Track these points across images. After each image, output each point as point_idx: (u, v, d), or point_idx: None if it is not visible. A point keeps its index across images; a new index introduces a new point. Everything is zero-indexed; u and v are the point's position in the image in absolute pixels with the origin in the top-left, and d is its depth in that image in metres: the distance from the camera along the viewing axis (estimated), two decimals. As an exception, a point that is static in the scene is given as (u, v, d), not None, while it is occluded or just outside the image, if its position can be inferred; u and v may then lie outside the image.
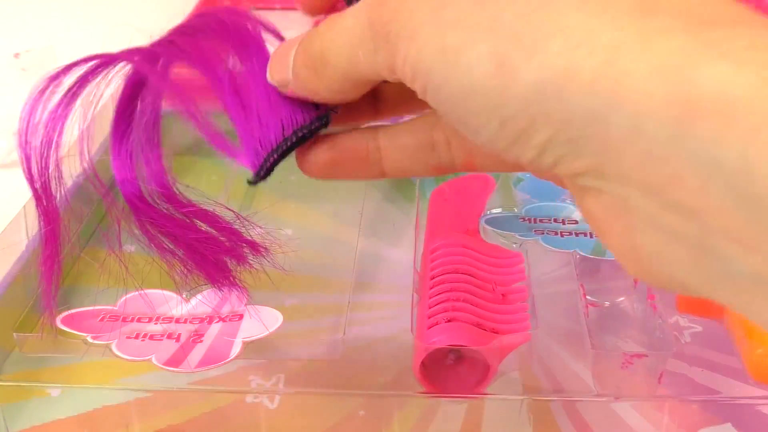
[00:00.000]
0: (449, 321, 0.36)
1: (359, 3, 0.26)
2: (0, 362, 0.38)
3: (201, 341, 0.35)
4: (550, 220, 0.43)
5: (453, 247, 0.41)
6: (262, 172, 0.31)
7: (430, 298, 0.38)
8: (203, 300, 0.37)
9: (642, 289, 0.41)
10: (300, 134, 0.30)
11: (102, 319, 0.36)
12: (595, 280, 0.42)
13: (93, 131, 0.52)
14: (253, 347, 0.35)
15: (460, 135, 0.27)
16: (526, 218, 0.43)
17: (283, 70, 0.29)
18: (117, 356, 0.34)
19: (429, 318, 0.36)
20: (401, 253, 0.45)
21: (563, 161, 0.22)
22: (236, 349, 0.35)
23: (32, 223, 0.44)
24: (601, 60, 0.20)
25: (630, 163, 0.21)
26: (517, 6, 0.22)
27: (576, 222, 0.42)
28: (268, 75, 0.30)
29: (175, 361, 0.34)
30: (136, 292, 0.38)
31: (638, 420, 0.36)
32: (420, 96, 0.25)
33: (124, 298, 0.38)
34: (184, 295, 0.38)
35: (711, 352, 0.39)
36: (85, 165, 0.48)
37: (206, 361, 0.34)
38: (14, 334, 0.38)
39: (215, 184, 0.51)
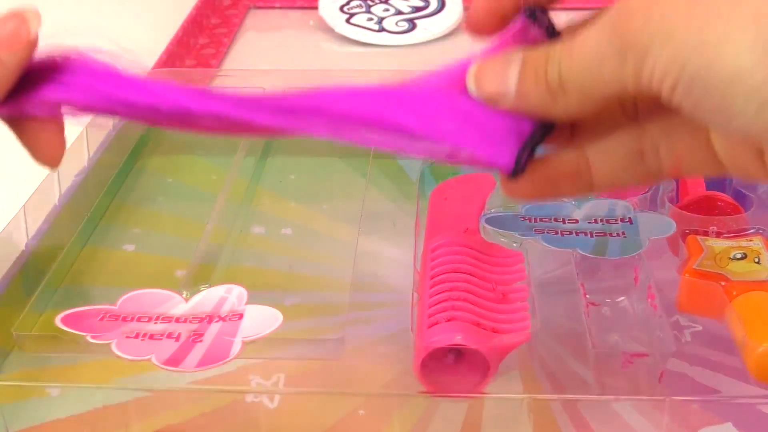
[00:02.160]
0: (449, 320, 0.36)
1: (601, 22, 0.27)
2: (0, 362, 0.38)
3: (201, 341, 0.35)
4: (550, 220, 0.43)
5: (453, 247, 0.41)
6: (520, 166, 0.30)
7: (430, 297, 0.38)
8: (203, 299, 0.38)
9: (642, 288, 0.41)
10: (543, 131, 0.30)
11: (102, 319, 0.36)
12: (595, 280, 0.42)
13: (93, 131, 0.52)
14: (253, 347, 0.35)
15: (669, 141, 0.28)
16: (527, 217, 0.43)
17: (501, 84, 0.29)
18: (117, 356, 0.34)
19: (429, 317, 0.36)
20: (401, 253, 0.45)
21: None
22: (236, 349, 0.35)
23: (32, 223, 0.44)
24: None
25: None
26: None
27: (576, 221, 0.42)
28: (472, 86, 0.29)
29: (174, 360, 0.34)
30: (136, 292, 0.38)
31: (638, 419, 0.36)
32: (665, 97, 0.25)
33: (123, 297, 0.38)
34: (184, 295, 0.38)
35: (711, 352, 0.39)
36: (85, 164, 0.48)
37: (206, 361, 0.34)
38: (14, 333, 0.38)
39: (215, 183, 0.51)
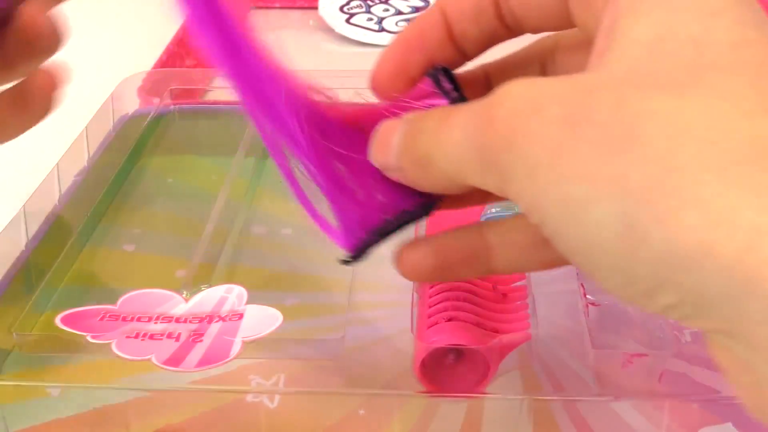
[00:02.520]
0: (449, 320, 0.36)
1: (465, 114, 0.24)
2: (0, 362, 0.38)
3: (201, 341, 0.35)
4: (550, 220, 0.43)
5: (453, 247, 0.41)
6: (359, 254, 0.30)
7: (430, 297, 0.38)
8: (203, 299, 0.38)
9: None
10: (402, 220, 0.29)
11: (102, 319, 0.36)
12: (595, 280, 0.42)
13: (93, 131, 0.52)
14: (253, 347, 0.35)
15: None
16: (527, 218, 0.43)
17: (386, 154, 0.27)
18: (117, 356, 0.34)
19: (429, 317, 0.36)
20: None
21: (690, 320, 0.21)
22: (236, 349, 0.35)
23: (32, 223, 0.44)
24: (742, 245, 0.19)
25: (764, 342, 0.20)
26: (647, 167, 0.20)
27: (576, 221, 0.42)
28: (369, 154, 0.28)
29: (175, 360, 0.34)
30: (136, 292, 0.38)
31: (638, 419, 0.36)
32: (534, 225, 0.23)
33: (123, 297, 0.38)
34: (184, 295, 0.38)
35: (711, 352, 0.39)
36: (85, 164, 0.48)
37: (206, 361, 0.34)
38: (14, 333, 0.38)
39: (215, 183, 0.51)
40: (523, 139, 0.22)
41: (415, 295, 0.39)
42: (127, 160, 0.53)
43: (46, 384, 0.38)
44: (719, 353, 0.22)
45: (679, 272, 0.20)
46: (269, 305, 0.37)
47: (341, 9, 0.73)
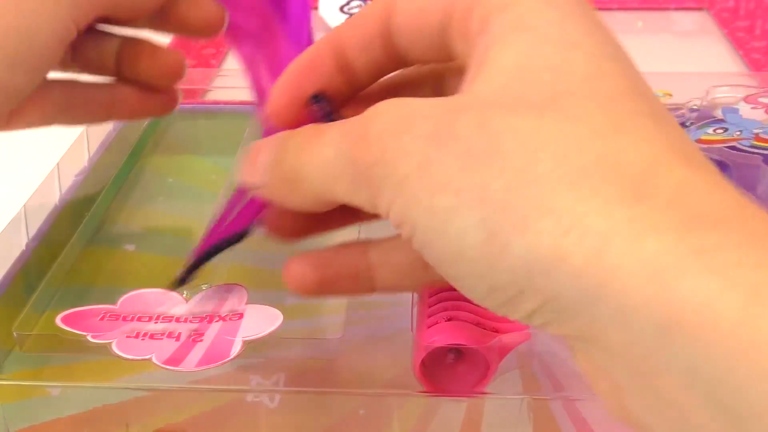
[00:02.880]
0: (449, 320, 0.36)
1: (338, 131, 0.25)
2: (0, 361, 0.38)
3: (201, 340, 0.35)
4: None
5: (453, 247, 0.41)
6: (185, 279, 0.36)
7: (430, 297, 0.38)
8: (203, 299, 0.38)
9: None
10: (212, 250, 0.34)
11: (102, 319, 0.36)
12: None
13: (93, 131, 0.52)
14: (253, 347, 0.35)
15: None
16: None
17: (254, 172, 0.28)
18: (117, 355, 0.35)
19: (429, 317, 0.36)
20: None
21: (552, 325, 0.22)
22: (236, 349, 0.35)
23: (32, 223, 0.44)
24: (591, 250, 0.20)
25: (616, 346, 0.21)
26: (506, 178, 0.22)
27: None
28: (239, 176, 0.29)
29: (175, 360, 0.34)
30: (136, 292, 0.38)
31: (638, 419, 0.36)
32: (405, 239, 0.24)
33: (123, 297, 0.38)
34: (184, 295, 0.38)
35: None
36: (85, 164, 0.48)
37: (206, 361, 0.34)
38: (14, 333, 0.38)
39: (215, 183, 0.51)
40: (394, 153, 0.23)
41: (415, 294, 0.39)
42: (127, 160, 0.53)
43: (46, 384, 0.38)
44: (580, 360, 0.23)
45: (538, 278, 0.21)
46: (269, 305, 0.37)
47: (341, 9, 0.73)
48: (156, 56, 0.39)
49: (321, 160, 0.26)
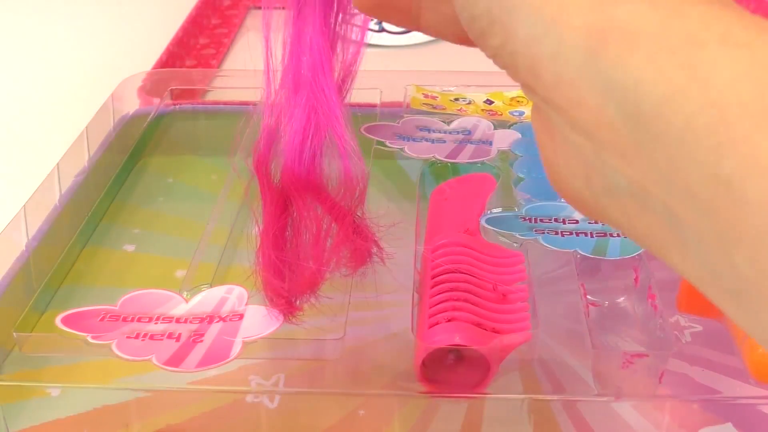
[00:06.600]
0: (450, 321, 0.36)
1: None
2: (0, 362, 0.38)
3: (201, 341, 0.35)
4: (550, 220, 0.43)
5: (453, 247, 0.41)
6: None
7: (431, 297, 0.38)
8: (203, 299, 0.37)
9: (642, 288, 0.41)
10: None
11: (102, 319, 0.36)
12: (595, 280, 0.42)
13: (93, 131, 0.52)
14: (253, 347, 0.35)
15: None
16: (527, 218, 0.43)
17: None
18: (117, 356, 0.34)
19: (429, 318, 0.36)
20: (401, 253, 0.45)
21: (510, 70, 0.25)
22: (236, 349, 0.35)
23: (32, 223, 0.44)
24: None
25: (548, 85, 0.23)
26: None
27: (576, 222, 0.42)
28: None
29: (175, 360, 0.34)
30: (136, 292, 0.38)
31: (638, 420, 0.36)
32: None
33: (123, 297, 0.38)
34: (184, 295, 0.38)
35: (711, 352, 0.39)
36: (85, 164, 0.48)
37: (206, 361, 0.34)
38: (14, 333, 0.38)
39: (215, 183, 0.51)
40: None
41: (416, 295, 0.39)
42: (127, 160, 0.53)
43: (46, 384, 0.38)
44: (533, 119, 0.26)
45: (500, 12, 0.24)
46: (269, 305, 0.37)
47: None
48: None
49: None
